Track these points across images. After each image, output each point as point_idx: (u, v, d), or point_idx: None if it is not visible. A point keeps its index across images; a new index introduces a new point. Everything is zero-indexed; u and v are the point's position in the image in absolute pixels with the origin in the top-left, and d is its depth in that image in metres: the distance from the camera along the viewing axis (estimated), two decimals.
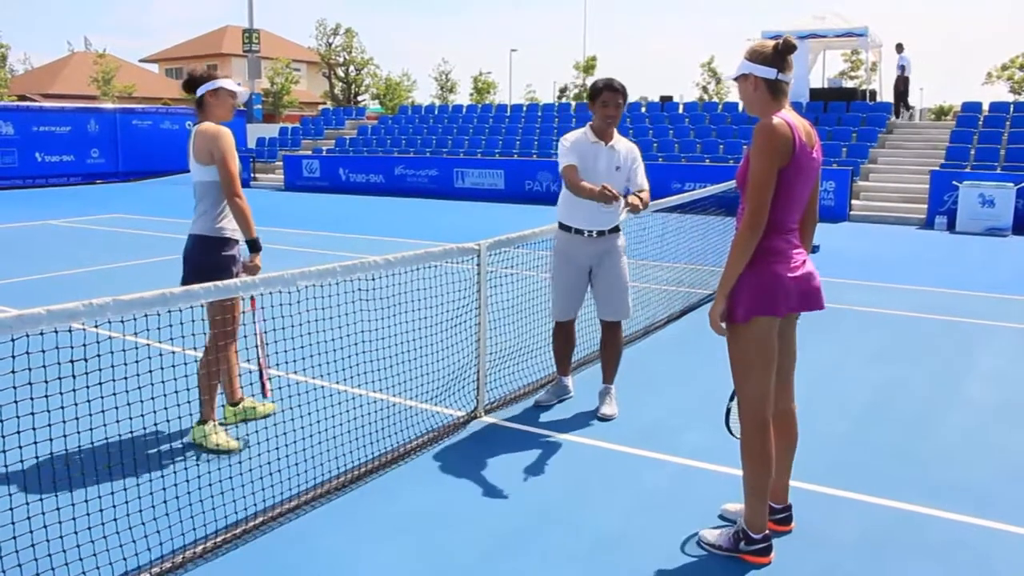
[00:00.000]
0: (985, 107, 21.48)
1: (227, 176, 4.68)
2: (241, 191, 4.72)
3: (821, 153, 3.63)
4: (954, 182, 16.88)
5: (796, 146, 3.40)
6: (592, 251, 5.43)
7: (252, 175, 27.04)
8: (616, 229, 5.46)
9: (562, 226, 5.49)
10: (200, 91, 4.87)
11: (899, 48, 23.57)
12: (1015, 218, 16.14)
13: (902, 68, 23.52)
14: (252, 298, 4.87)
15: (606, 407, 5.55)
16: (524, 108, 27.88)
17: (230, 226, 4.82)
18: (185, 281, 4.60)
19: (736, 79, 3.60)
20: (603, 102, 5.29)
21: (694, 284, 9.43)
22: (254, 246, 4.79)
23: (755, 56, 3.52)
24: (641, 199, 5.13)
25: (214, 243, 4.77)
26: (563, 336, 5.73)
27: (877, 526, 4.03)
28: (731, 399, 3.89)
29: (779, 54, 3.48)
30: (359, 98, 61.20)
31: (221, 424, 5.03)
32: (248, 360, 5.11)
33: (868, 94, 24.36)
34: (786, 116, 3.44)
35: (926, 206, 17.51)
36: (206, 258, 4.74)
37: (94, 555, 3.43)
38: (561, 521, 4.07)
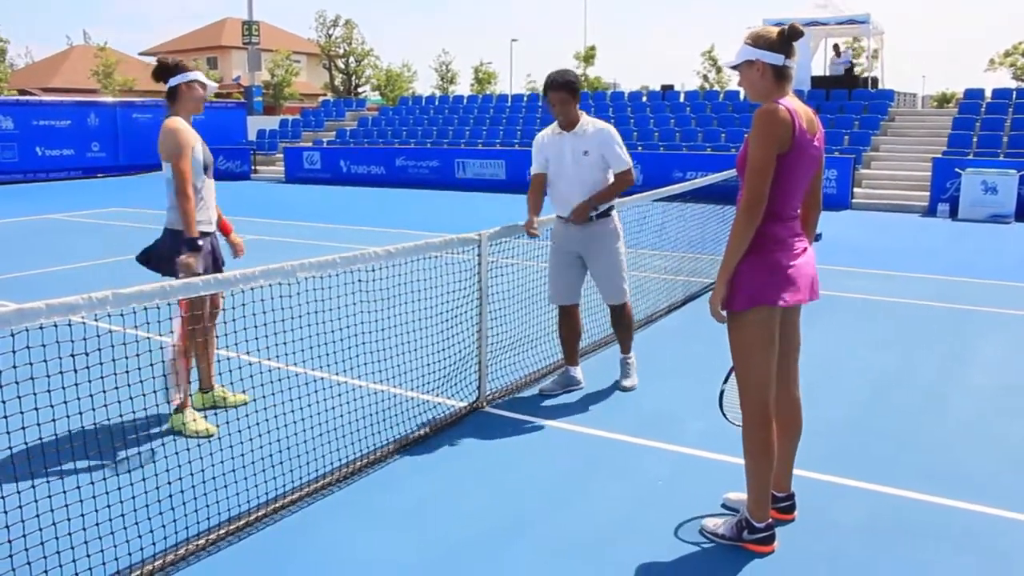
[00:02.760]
0: (988, 94, 21.40)
1: (177, 174, 4.77)
2: (189, 190, 4.77)
3: (823, 141, 3.60)
4: (956, 169, 16.83)
5: (796, 132, 3.38)
6: (578, 237, 5.58)
7: (253, 167, 27.03)
8: (604, 214, 5.58)
9: (558, 215, 5.69)
10: (173, 81, 4.90)
11: (836, 50, 24.63)
12: (1018, 205, 16.09)
13: (849, 63, 24.86)
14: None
15: (625, 380, 5.81)
16: (525, 98, 27.82)
17: (197, 219, 4.87)
18: (156, 270, 4.85)
19: (739, 65, 3.55)
20: (549, 101, 5.51)
21: (695, 273, 9.41)
22: (190, 245, 4.80)
23: (761, 42, 3.47)
24: (582, 206, 5.43)
25: (180, 236, 4.83)
26: (566, 322, 5.82)
27: (880, 514, 4.02)
28: (724, 381, 3.89)
29: (786, 40, 3.45)
30: (359, 89, 61.07)
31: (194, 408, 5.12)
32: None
33: (870, 81, 24.28)
34: (787, 102, 3.42)
35: (928, 193, 17.46)
36: (173, 250, 4.81)
37: (101, 551, 3.43)
38: (563, 511, 4.07)
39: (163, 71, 4.93)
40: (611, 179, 5.54)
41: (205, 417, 5.03)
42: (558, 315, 5.85)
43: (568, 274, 5.67)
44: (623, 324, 5.84)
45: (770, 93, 3.47)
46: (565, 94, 5.40)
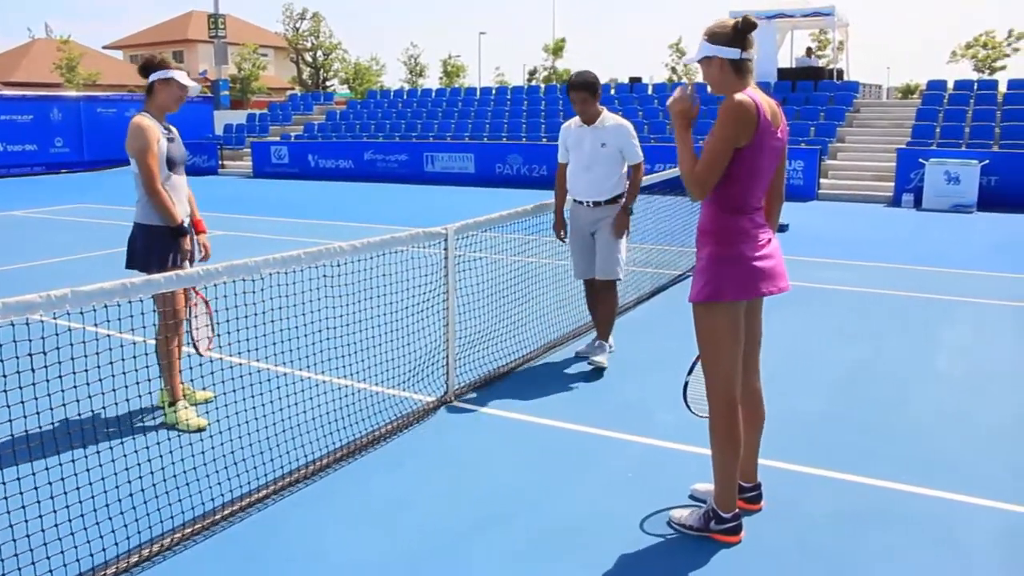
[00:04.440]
0: (950, 85, 21.67)
1: (145, 171, 4.82)
2: (158, 185, 4.82)
3: (787, 133, 3.62)
4: (920, 160, 17.02)
5: (760, 124, 3.39)
6: (592, 218, 6.08)
7: (220, 162, 26.79)
8: (614, 200, 6.04)
9: (574, 199, 6.21)
10: (152, 78, 4.95)
11: (809, 52, 26.08)
12: (980, 195, 16.31)
13: (818, 58, 27.35)
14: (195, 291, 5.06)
15: (596, 356, 6.04)
16: (493, 91, 27.79)
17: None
18: (129, 267, 4.90)
19: (700, 62, 3.57)
20: (571, 100, 6.00)
21: (663, 264, 9.45)
22: (179, 232, 4.93)
23: (716, 37, 3.48)
24: (621, 219, 6.01)
25: (149, 231, 4.91)
26: (591, 292, 6.36)
27: (847, 502, 4.05)
28: (689, 372, 3.91)
29: (740, 33, 3.45)
30: (327, 83, 60.70)
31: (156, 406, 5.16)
32: (191, 344, 5.07)
33: (835, 73, 24.48)
34: (751, 94, 3.43)
35: (893, 184, 17.65)
36: (144, 245, 4.91)
37: (61, 552, 3.37)
38: (532, 504, 4.06)
39: (145, 67, 4.97)
40: (626, 171, 6.10)
41: (196, 410, 5.08)
42: (584, 288, 6.45)
43: (585, 252, 6.18)
44: (608, 304, 6.19)
45: (732, 86, 3.48)
46: (586, 94, 5.91)
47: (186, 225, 5.00)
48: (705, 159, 3.41)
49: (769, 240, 3.60)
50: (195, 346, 5.00)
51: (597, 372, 5.99)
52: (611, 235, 6.01)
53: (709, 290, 3.51)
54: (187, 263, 4.98)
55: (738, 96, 3.40)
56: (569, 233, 6.27)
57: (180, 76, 4.98)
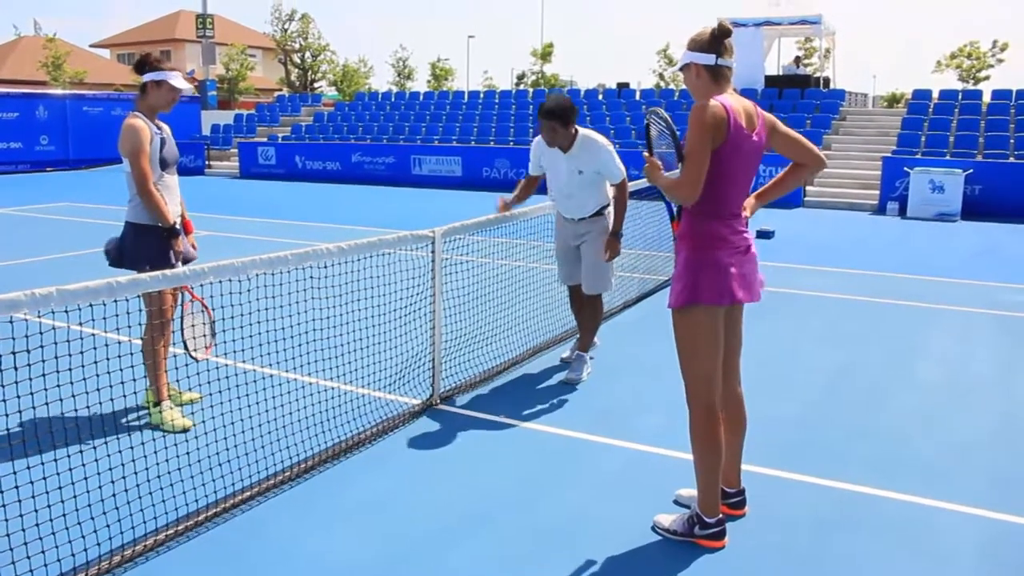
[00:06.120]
0: (935, 95, 21.81)
1: (137, 172, 4.81)
2: (150, 186, 4.81)
3: (764, 133, 3.63)
4: (905, 168, 17.13)
5: (731, 127, 3.42)
6: (575, 232, 6.04)
7: (207, 162, 26.69)
8: (598, 214, 5.94)
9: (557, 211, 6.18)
10: (145, 78, 4.93)
11: (797, 61, 26.81)
12: (963, 203, 16.43)
13: (805, 67, 28.31)
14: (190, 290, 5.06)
15: (570, 372, 5.93)
16: (481, 95, 27.78)
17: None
18: (116, 265, 4.90)
19: (680, 70, 3.64)
20: (540, 126, 5.70)
21: (650, 270, 9.47)
22: (172, 233, 4.93)
23: (694, 45, 3.56)
24: (612, 244, 5.86)
25: (141, 230, 4.91)
26: (575, 298, 6.30)
27: (830, 508, 4.08)
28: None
29: (716, 39, 3.52)
30: (315, 85, 60.54)
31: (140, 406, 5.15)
32: (178, 344, 5.05)
33: (822, 81, 24.61)
34: (723, 99, 3.46)
35: (878, 192, 17.76)
36: (134, 244, 4.91)
37: (42, 552, 3.35)
38: (515, 508, 4.06)
39: (140, 65, 4.97)
40: (609, 189, 5.92)
41: (182, 410, 5.07)
42: (568, 293, 6.36)
43: (569, 259, 6.15)
44: (592, 315, 6.13)
45: (708, 92, 3.52)
46: (556, 123, 5.58)
47: (178, 225, 4.99)
48: (688, 161, 3.43)
49: (748, 247, 3.63)
50: (185, 347, 4.98)
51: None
52: (597, 250, 5.88)
53: (686, 294, 3.54)
54: (179, 263, 4.96)
55: (706, 101, 3.44)
56: (555, 241, 6.24)
57: (173, 78, 4.95)
